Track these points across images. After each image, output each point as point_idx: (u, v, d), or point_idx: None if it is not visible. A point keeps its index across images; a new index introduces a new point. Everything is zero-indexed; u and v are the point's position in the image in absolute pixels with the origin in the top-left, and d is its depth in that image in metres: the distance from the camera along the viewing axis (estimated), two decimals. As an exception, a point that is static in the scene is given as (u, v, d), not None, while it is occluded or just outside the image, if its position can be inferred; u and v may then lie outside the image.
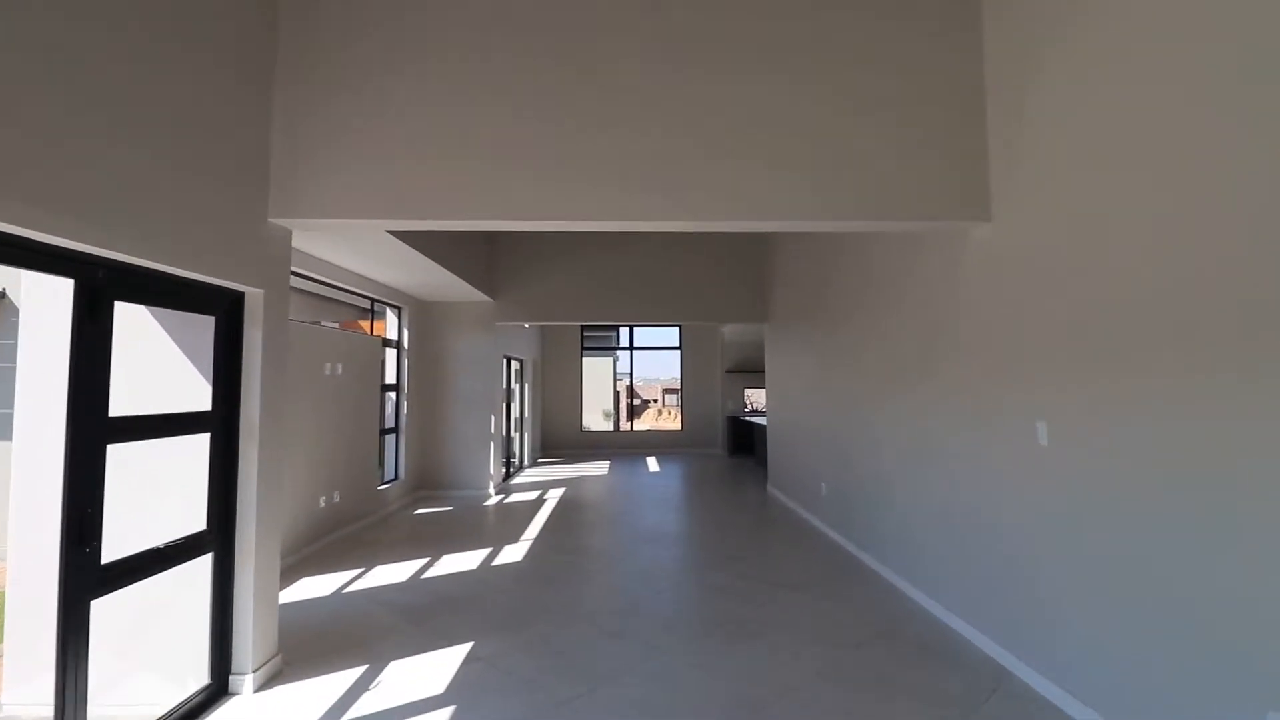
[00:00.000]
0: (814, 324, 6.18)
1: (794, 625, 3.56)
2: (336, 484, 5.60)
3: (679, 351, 12.97)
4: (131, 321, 2.74)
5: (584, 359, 13.02)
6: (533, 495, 7.88)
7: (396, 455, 7.31)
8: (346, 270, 5.95)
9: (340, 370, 5.68)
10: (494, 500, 7.55)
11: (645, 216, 3.12)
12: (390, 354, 7.36)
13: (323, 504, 5.34)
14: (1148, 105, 2.27)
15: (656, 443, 12.75)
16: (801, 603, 3.92)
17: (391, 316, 7.42)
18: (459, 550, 5.22)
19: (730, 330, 12.23)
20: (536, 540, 5.56)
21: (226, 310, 2.96)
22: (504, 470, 9.29)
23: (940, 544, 3.68)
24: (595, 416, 16.32)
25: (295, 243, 4.94)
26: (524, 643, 3.37)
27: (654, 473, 9.88)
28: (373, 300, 6.77)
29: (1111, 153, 2.43)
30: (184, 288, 2.69)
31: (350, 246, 5.08)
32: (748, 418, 11.45)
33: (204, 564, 2.83)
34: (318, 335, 5.35)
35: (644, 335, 18.52)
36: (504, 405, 9.36)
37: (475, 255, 7.25)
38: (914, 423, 4.02)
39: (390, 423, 7.30)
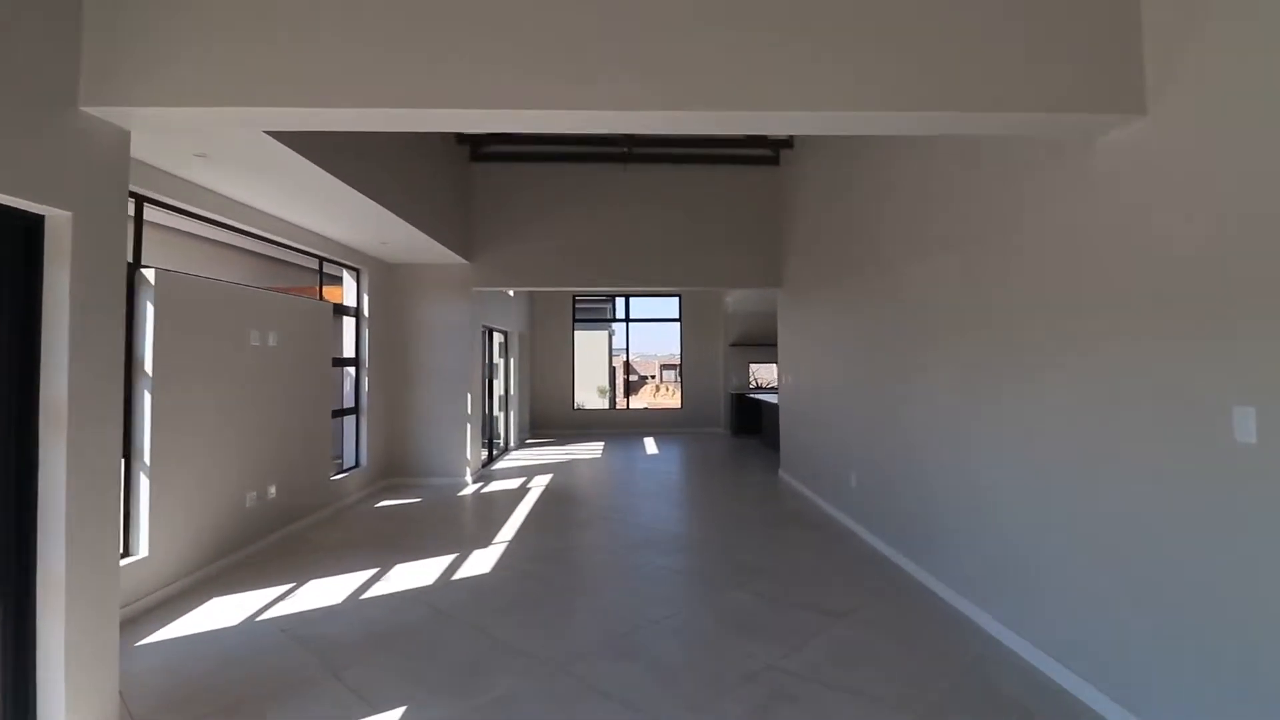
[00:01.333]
0: (844, 285, 5.20)
1: (849, 678, 2.65)
2: (271, 476, 4.66)
3: (678, 324, 11.99)
4: None
5: (576, 332, 12.02)
6: (515, 483, 6.97)
7: (357, 439, 6.37)
8: (291, 224, 4.93)
9: (273, 340, 4.70)
10: (471, 489, 6.64)
11: (613, 104, 2.12)
12: (348, 324, 6.37)
13: (252, 501, 4.41)
14: None
15: (655, 422, 11.85)
16: (851, 640, 3.01)
17: (349, 280, 6.40)
18: (416, 556, 4.31)
19: (735, 300, 11.24)
20: (512, 543, 4.64)
21: (11, 242, 1.97)
22: (485, 454, 8.37)
23: (1050, 573, 2.76)
24: (589, 394, 15.41)
25: (221, 187, 3.95)
26: (477, 710, 2.45)
27: (652, 455, 8.98)
28: (322, 260, 5.75)
29: None
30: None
31: (287, 191, 4.06)
32: (753, 395, 10.53)
33: (-23, 620, 1.89)
34: (238, 298, 4.36)
35: (641, 307, 17.51)
36: (485, 382, 8.40)
37: (446, 209, 6.22)
38: (1004, 407, 3.07)
39: (349, 402, 6.34)
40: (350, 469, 6.17)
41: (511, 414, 9.62)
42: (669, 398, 30.28)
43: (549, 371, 11.76)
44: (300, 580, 3.86)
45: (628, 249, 7.10)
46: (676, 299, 11.98)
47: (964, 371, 3.33)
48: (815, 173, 5.93)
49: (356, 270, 6.40)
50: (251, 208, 4.49)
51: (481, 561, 4.21)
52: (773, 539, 4.70)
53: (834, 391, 5.44)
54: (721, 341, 11.61)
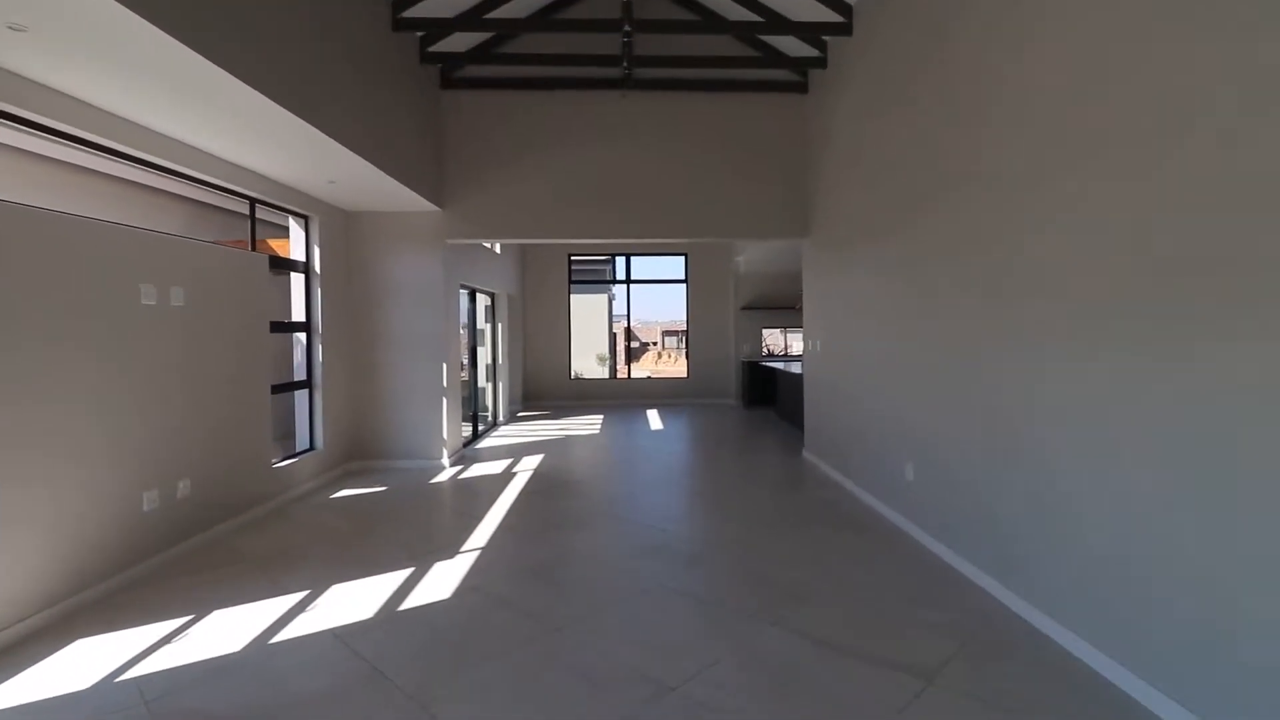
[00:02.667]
0: (899, 231, 4.16)
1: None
2: (182, 469, 3.72)
3: (684, 286, 10.94)
4: None
5: (573, 296, 10.98)
6: (500, 467, 6.06)
7: (311, 418, 5.42)
8: (199, 151, 3.88)
9: (179, 299, 3.70)
10: (448, 474, 5.73)
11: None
12: (298, 282, 5.35)
13: (153, 503, 3.48)
14: None
15: (659, 392, 10.92)
16: (951, 722, 2.10)
17: (296, 229, 5.36)
18: (362, 572, 3.40)
19: (746, 260, 10.17)
20: (486, 551, 3.73)
21: None
22: (470, 430, 7.45)
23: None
24: (587, 362, 14.46)
25: (71, 86, 2.89)
26: None
27: (656, 431, 8.06)
28: (254, 201, 4.69)
29: None
30: None
31: (168, 96, 3.00)
32: (767, 363, 9.55)
33: None
34: (120, 243, 3.34)
35: (643, 268, 16.45)
36: (466, 349, 7.43)
37: (410, 143, 5.14)
38: (1184, 384, 2.08)
39: (301, 375, 5.38)
40: (302, 453, 5.24)
41: (500, 385, 8.68)
42: (672, 365, 29.30)
43: (543, 338, 10.78)
44: (200, 611, 2.95)
45: (627, 194, 6.03)
46: (682, 258, 10.90)
47: (1124, 340, 2.33)
48: (860, 90, 4.82)
49: (305, 217, 5.35)
50: (137, 126, 3.44)
51: (443, 580, 3.30)
52: (809, 544, 3.78)
53: (879, 362, 4.46)
54: (731, 305, 10.58)
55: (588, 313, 13.99)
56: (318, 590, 3.18)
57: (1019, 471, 2.86)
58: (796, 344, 11.56)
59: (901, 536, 3.87)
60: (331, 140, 3.92)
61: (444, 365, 5.99)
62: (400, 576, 3.35)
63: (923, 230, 3.80)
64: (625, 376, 11.60)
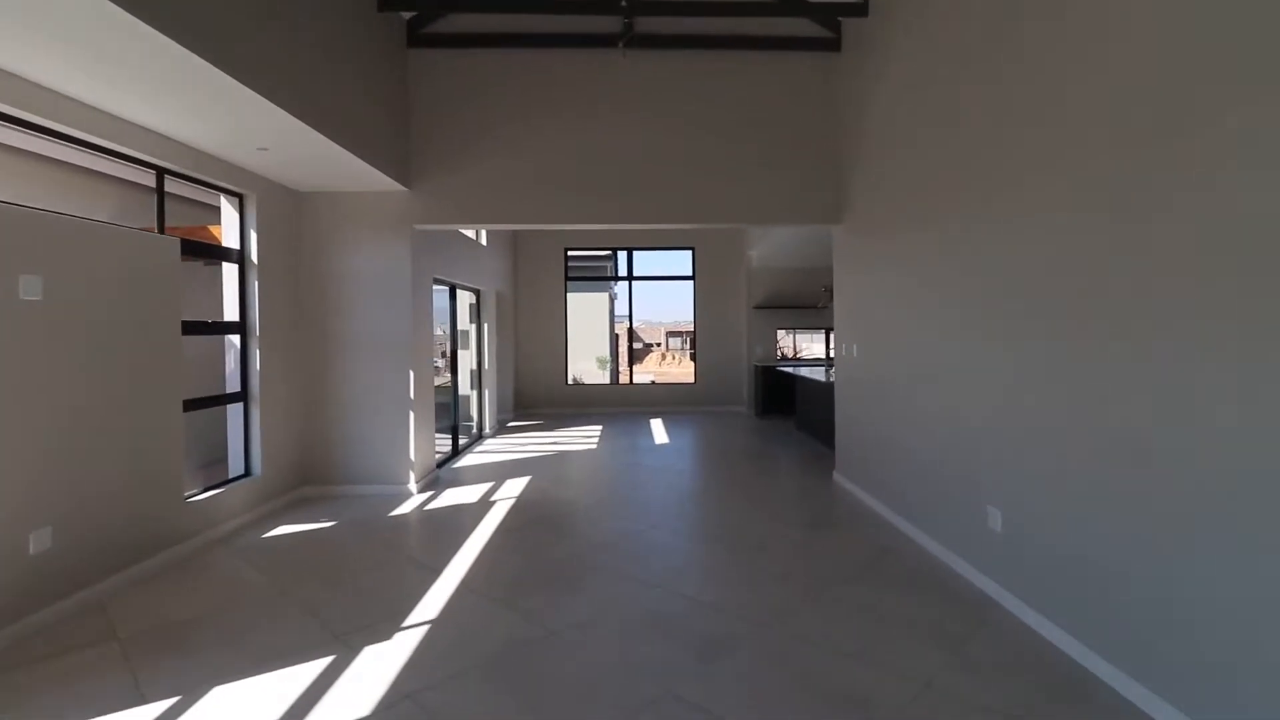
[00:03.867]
0: (972, 209, 3.22)
1: None
2: (43, 512, 2.81)
3: (691, 282, 10.01)
4: None
5: (569, 294, 10.06)
6: (477, 493, 5.14)
7: (246, 438, 4.51)
8: (98, 111, 2.98)
9: (38, 291, 2.79)
10: (413, 503, 4.81)
11: None
12: (230, 273, 4.45)
13: (-16, 566, 2.57)
14: None
15: (663, 399, 9.98)
16: None
17: (228, 210, 4.46)
18: (257, 664, 2.48)
19: (760, 254, 9.23)
20: (434, 629, 2.81)
21: None
22: (450, 445, 6.55)
23: None
24: (586, 365, 13.55)
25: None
26: None
27: (661, 446, 7.13)
28: (161, 172, 3.79)
29: None
30: None
31: (79, 58, 2.12)
32: (784, 368, 8.61)
33: None
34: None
35: (647, 264, 15.57)
36: (446, 353, 6.53)
37: (368, 108, 4.24)
38: None
39: (234, 385, 4.47)
40: (231, 481, 4.34)
41: (487, 393, 7.76)
42: (676, 366, 28.29)
43: (538, 341, 9.86)
44: (2, 741, 2.04)
45: (627, 173, 5.11)
46: (689, 253, 9.97)
47: None
48: (916, 45, 3.89)
49: (238, 196, 4.44)
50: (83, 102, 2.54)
51: (368, 680, 2.38)
52: (867, 619, 2.84)
53: (945, 371, 3.52)
54: (744, 303, 9.64)
55: (587, 313, 13.09)
56: (189, 698, 2.26)
57: (1209, 543, 1.92)
58: (815, 347, 10.61)
59: (992, 608, 2.92)
60: (245, 89, 3.02)
61: (411, 373, 5.07)
62: (311, 672, 2.43)
63: (1018, 202, 2.86)
64: (627, 382, 10.67)
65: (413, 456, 5.09)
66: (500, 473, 5.84)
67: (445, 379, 6.71)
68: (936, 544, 3.58)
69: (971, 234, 3.26)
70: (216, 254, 4.36)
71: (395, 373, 5.06)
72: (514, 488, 5.28)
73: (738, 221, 5.33)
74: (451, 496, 5.02)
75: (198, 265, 5.18)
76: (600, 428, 8.37)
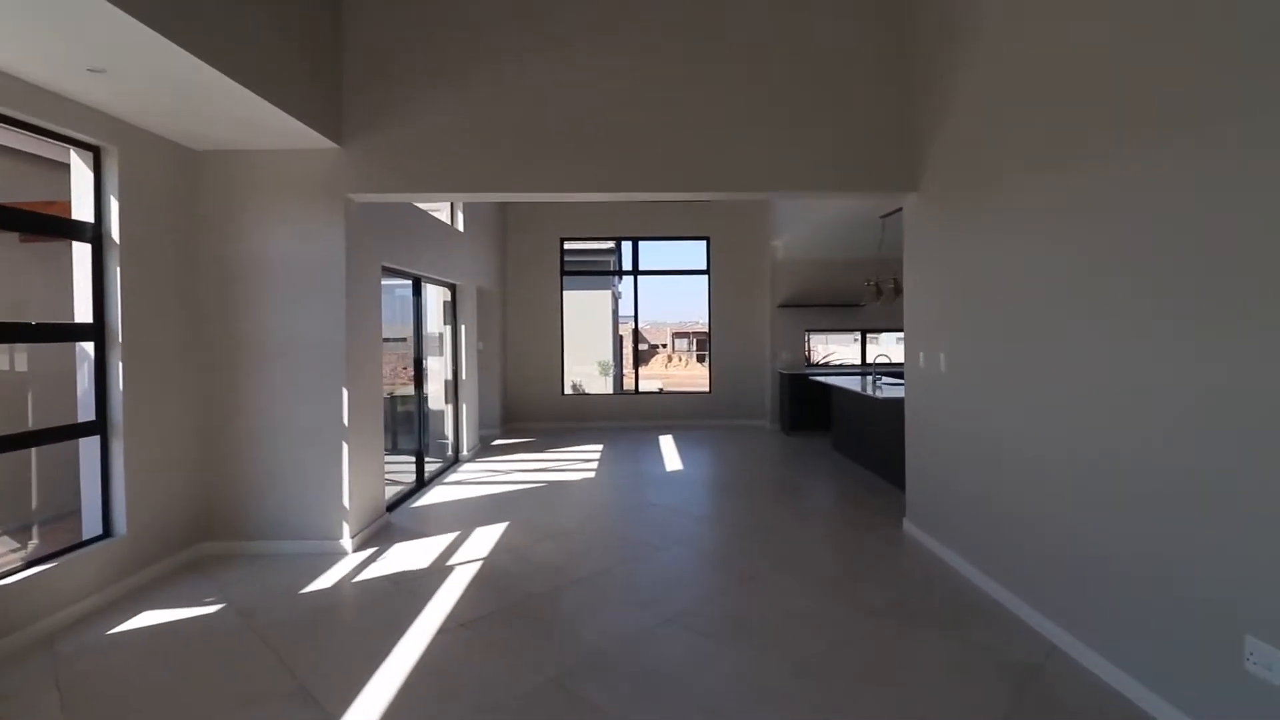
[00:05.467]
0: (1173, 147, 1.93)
1: None
2: None
3: (706, 277, 8.73)
4: None
5: (567, 291, 8.79)
6: (434, 551, 3.87)
7: (105, 484, 3.25)
8: None
9: None
10: (342, 569, 3.55)
11: None
12: (80, 257, 3.19)
13: None
14: None
15: (674, 411, 8.69)
16: None
17: (80, 170, 3.21)
18: None
19: (786, 244, 7.95)
20: None
21: None
22: (414, 476, 5.30)
23: None
24: (586, 369, 12.28)
25: None
26: None
27: (674, 475, 5.84)
28: (-59, 100, 2.53)
29: None
30: None
31: None
32: (817, 377, 7.31)
33: None
34: None
35: (653, 257, 14.27)
36: (415, 363, 5.29)
37: (271, 27, 2.98)
38: None
39: (87, 413, 3.21)
40: (84, 544, 3.08)
41: (465, 408, 6.49)
42: (684, 369, 26.89)
43: (530, 345, 8.59)
44: None
45: (625, 128, 3.86)
46: (703, 243, 8.68)
47: None
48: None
49: (93, 150, 3.19)
50: None
51: None
52: None
53: (1135, 408, 2.22)
54: (767, 301, 8.35)
55: (587, 312, 11.83)
56: None
57: None
58: (845, 350, 9.31)
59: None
60: (182, 50, 1.83)
61: (346, 391, 3.81)
62: None
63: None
64: (632, 390, 9.39)
65: (347, 501, 3.83)
66: (471, 515, 4.57)
67: (409, 390, 5.45)
68: (1129, 676, 2.27)
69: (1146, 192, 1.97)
70: (53, 229, 3.10)
71: (325, 390, 3.80)
72: (484, 541, 4.00)
73: (766, 191, 4.02)
74: (398, 557, 3.75)
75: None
76: (600, 448, 7.09)
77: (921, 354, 3.89)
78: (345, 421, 3.81)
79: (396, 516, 4.54)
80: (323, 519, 3.82)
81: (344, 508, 3.83)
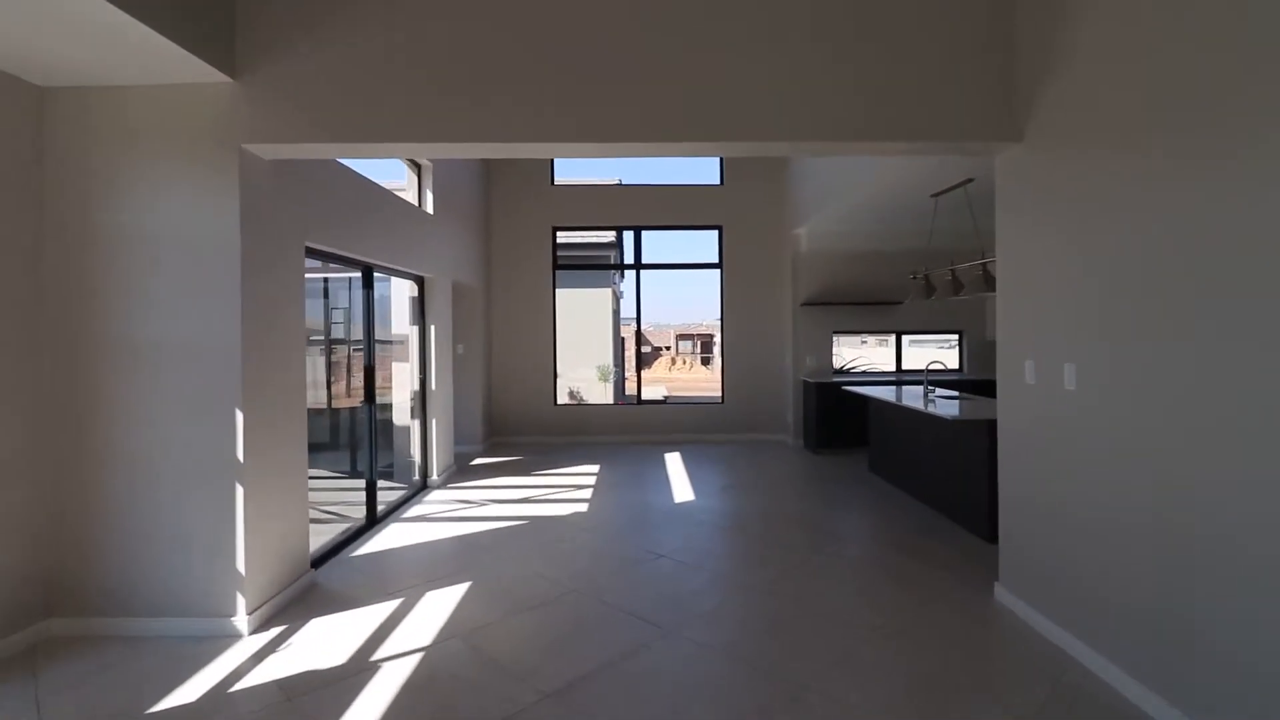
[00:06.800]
0: None
1: None
2: None
3: (718, 271, 7.70)
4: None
5: (563, 289, 7.77)
6: (360, 635, 2.83)
7: None
8: None
9: None
10: (227, 666, 2.52)
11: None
12: None
13: None
14: None
15: (680, 423, 7.64)
16: None
17: None
18: None
19: (813, 232, 6.93)
20: None
21: None
22: (365, 512, 4.29)
23: None
24: (584, 373, 11.26)
25: None
26: None
27: (684, 507, 4.80)
28: None
29: None
30: None
31: None
32: (851, 386, 6.25)
33: None
34: None
35: (656, 250, 13.38)
36: (365, 371, 4.29)
37: None
38: None
39: None
40: None
41: (434, 424, 5.45)
42: (688, 373, 25.80)
43: (517, 348, 7.57)
44: None
45: (606, 57, 2.82)
46: (715, 233, 7.65)
47: None
48: None
49: None
50: None
51: None
52: None
53: None
54: (788, 299, 7.31)
55: (585, 313, 10.80)
56: None
57: None
58: (873, 354, 8.26)
59: None
60: None
61: (239, 413, 2.78)
62: None
63: None
64: (634, 399, 8.34)
65: (242, 565, 2.80)
66: (426, 568, 3.54)
67: (357, 402, 4.42)
68: None
69: None
70: None
71: (212, 411, 2.78)
72: (433, 615, 2.97)
73: (804, 140, 2.96)
74: (309, 644, 2.72)
75: None
76: (597, 469, 6.06)
77: (1029, 364, 2.85)
78: (239, 454, 2.78)
79: (329, 572, 3.51)
80: (208, 589, 2.80)
81: (237, 573, 2.80)
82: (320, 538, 3.83)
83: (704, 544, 3.95)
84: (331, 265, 4.14)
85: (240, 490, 2.79)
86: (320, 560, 3.61)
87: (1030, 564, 2.85)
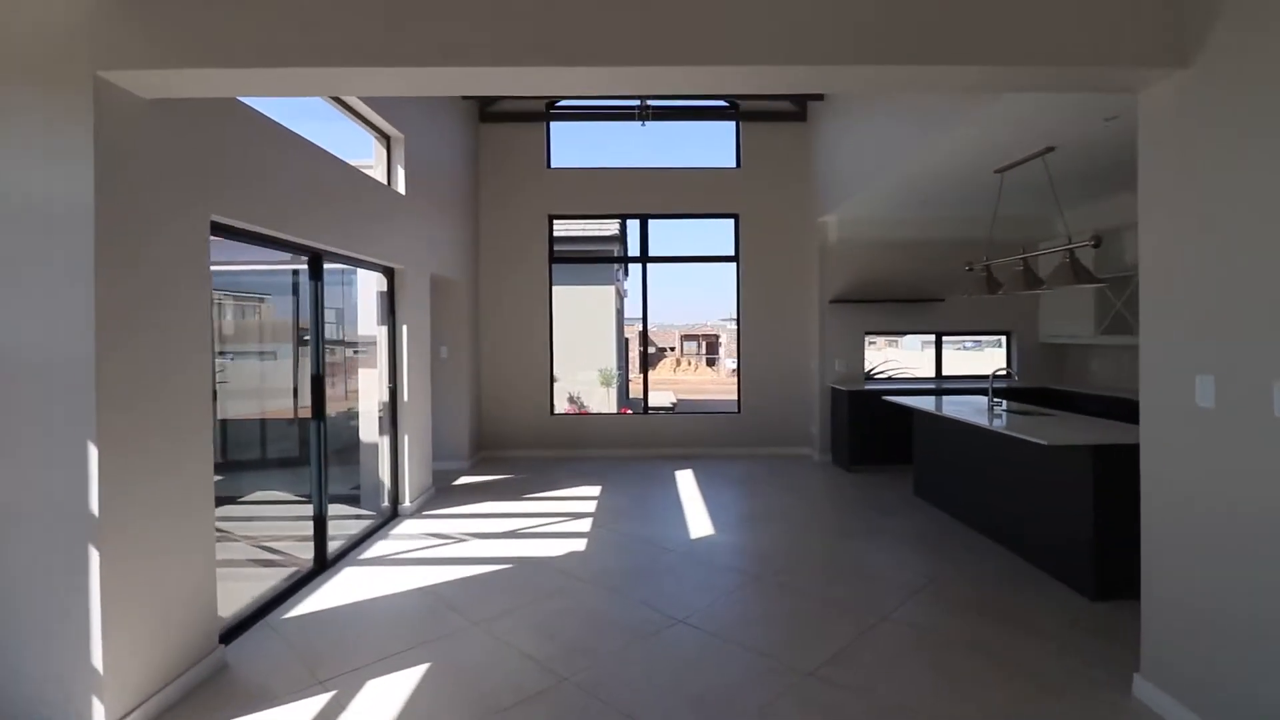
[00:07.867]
0: None
1: None
2: None
3: (734, 264, 6.88)
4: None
5: (557, 285, 6.97)
6: (265, 750, 2.03)
7: None
8: None
9: None
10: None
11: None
12: None
13: None
14: None
15: (692, 436, 6.81)
16: None
17: None
18: None
19: (844, 220, 6.12)
20: None
21: None
22: (314, 551, 3.49)
23: None
24: (585, 376, 10.46)
25: None
26: None
27: (701, 544, 3.98)
28: None
29: None
30: None
31: None
32: (892, 396, 5.41)
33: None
34: None
35: (663, 244, 12.46)
36: (314, 384, 3.50)
37: None
38: None
39: None
40: None
41: (406, 442, 4.65)
42: (694, 374, 24.94)
43: (511, 352, 6.76)
44: None
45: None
46: (731, 222, 6.83)
47: None
48: None
49: None
50: None
51: None
52: None
53: None
54: (814, 295, 6.49)
55: (586, 312, 10.00)
56: None
57: None
58: (904, 357, 7.40)
59: None
60: None
61: (94, 449, 1.98)
62: None
63: None
64: (640, 407, 7.52)
65: (99, 659, 2.00)
66: (376, 640, 2.74)
67: (329, 410, 3.61)
68: None
69: None
70: None
71: (54, 448, 1.99)
72: (369, 721, 2.17)
73: (885, 63, 2.36)
74: (184, 775, 1.92)
75: None
76: (598, 491, 5.25)
77: (1203, 380, 2.02)
78: (93, 503, 1.99)
79: (248, 645, 2.71)
80: (52, 694, 2.00)
81: (93, 670, 2.00)
82: (249, 592, 3.04)
83: (732, 603, 3.13)
84: (296, 256, 3.33)
85: (95, 554, 2.00)
86: (241, 626, 2.81)
87: (1186, 659, 2.03)
